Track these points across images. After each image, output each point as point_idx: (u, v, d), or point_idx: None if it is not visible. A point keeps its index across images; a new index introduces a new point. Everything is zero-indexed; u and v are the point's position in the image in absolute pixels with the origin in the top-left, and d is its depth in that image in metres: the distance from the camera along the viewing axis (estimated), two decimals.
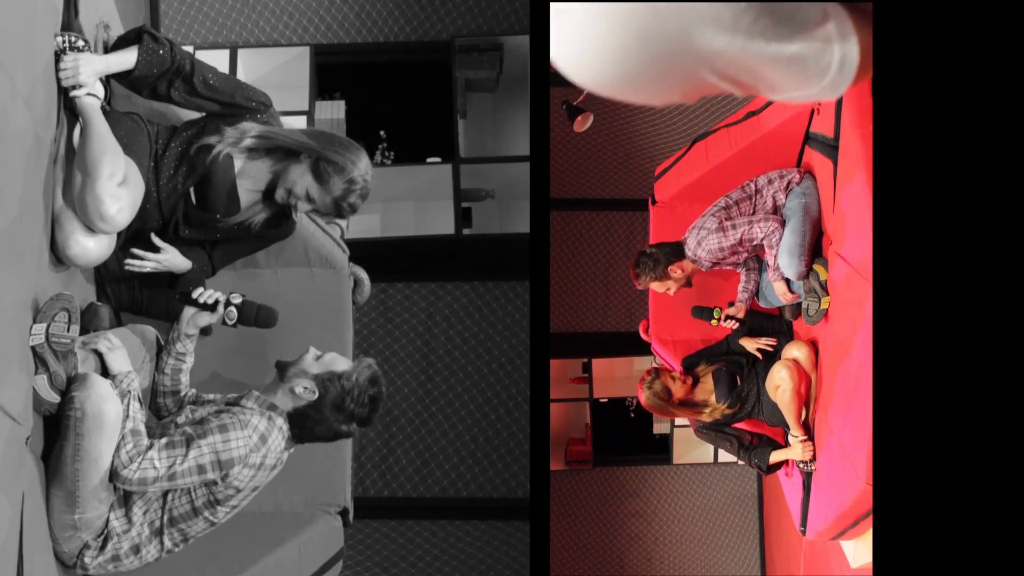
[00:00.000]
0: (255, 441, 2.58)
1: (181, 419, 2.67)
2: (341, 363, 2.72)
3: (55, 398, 2.46)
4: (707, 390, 3.86)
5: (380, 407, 2.77)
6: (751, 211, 3.69)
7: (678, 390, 3.82)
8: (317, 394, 2.67)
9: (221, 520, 2.69)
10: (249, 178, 2.90)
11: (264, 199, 2.95)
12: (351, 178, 2.84)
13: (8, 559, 2.19)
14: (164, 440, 2.55)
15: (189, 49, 5.64)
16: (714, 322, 3.94)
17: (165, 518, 2.61)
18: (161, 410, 2.88)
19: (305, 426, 2.70)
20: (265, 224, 2.99)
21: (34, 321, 2.43)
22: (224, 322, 2.81)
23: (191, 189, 2.85)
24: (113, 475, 2.50)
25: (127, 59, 2.76)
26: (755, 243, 3.66)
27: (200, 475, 2.54)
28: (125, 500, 2.59)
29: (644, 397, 3.86)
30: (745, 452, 3.88)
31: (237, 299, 2.81)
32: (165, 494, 2.60)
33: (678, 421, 6.96)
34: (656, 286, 3.86)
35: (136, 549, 2.60)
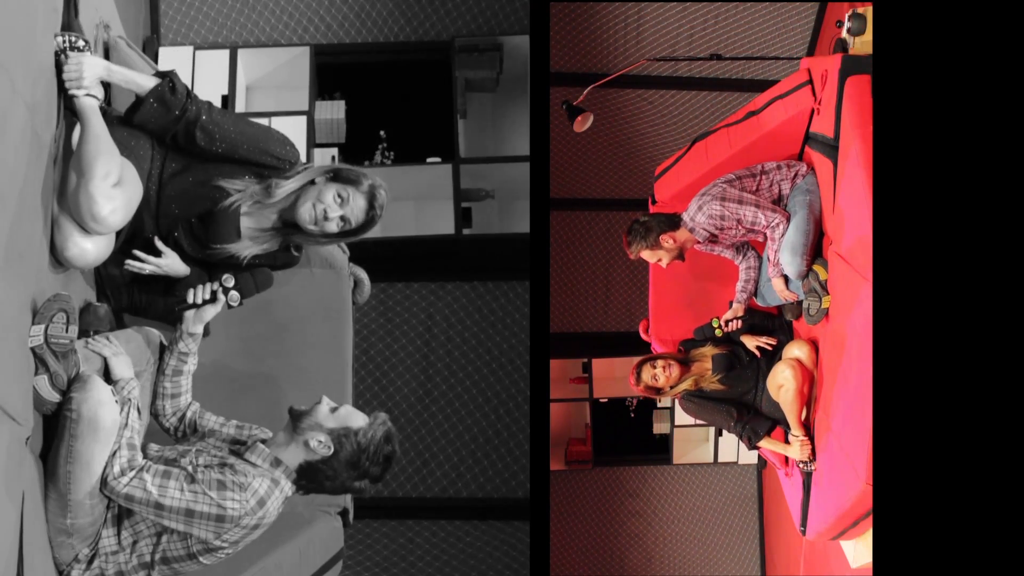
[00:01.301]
0: (252, 505, 2.52)
1: (186, 461, 2.60)
2: (357, 418, 2.66)
3: (56, 398, 2.45)
4: (704, 367, 3.86)
5: (393, 465, 2.72)
6: (754, 188, 3.67)
7: (663, 381, 3.85)
8: (332, 450, 2.61)
9: (214, 564, 2.65)
10: (254, 217, 2.88)
11: (267, 233, 2.92)
12: (372, 182, 2.88)
13: (8, 559, 2.19)
14: (163, 468, 2.52)
15: (188, 49, 5.66)
16: (718, 332, 3.95)
17: (157, 556, 2.56)
18: (160, 415, 2.85)
19: (316, 480, 2.65)
20: (266, 257, 2.96)
21: (32, 322, 2.43)
22: (229, 306, 2.79)
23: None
24: (103, 483, 2.47)
25: (138, 82, 2.71)
26: (754, 229, 3.65)
27: (187, 519, 2.49)
28: (118, 520, 2.56)
29: (640, 388, 3.91)
30: (738, 424, 3.87)
31: (230, 281, 2.78)
32: (160, 533, 2.56)
33: (678, 421, 6.97)
34: (647, 255, 3.82)
35: (121, 575, 2.58)
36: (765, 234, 3.67)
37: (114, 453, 2.47)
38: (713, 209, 3.64)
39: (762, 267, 3.93)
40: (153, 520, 2.53)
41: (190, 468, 2.54)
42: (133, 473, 2.47)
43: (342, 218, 2.85)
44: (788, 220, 3.58)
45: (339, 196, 2.83)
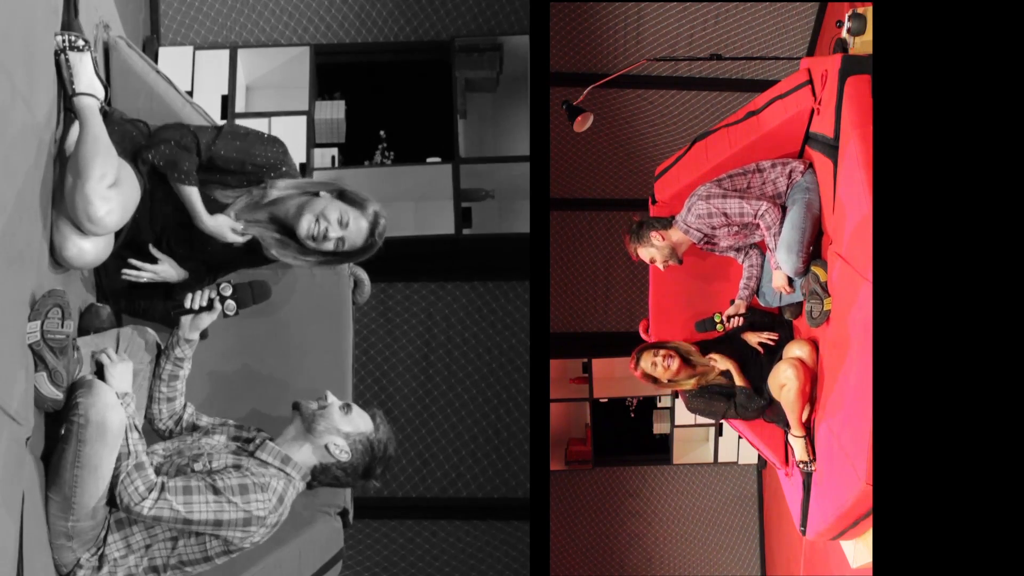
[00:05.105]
0: (274, 503, 2.57)
1: (199, 466, 2.61)
2: (366, 421, 2.74)
3: (57, 395, 2.45)
4: (709, 370, 3.87)
5: (393, 466, 2.82)
6: (744, 185, 3.70)
7: (660, 372, 3.86)
8: (350, 455, 2.69)
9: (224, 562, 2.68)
10: (245, 215, 2.88)
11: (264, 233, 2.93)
12: (376, 208, 2.89)
13: (8, 559, 2.19)
14: (183, 484, 2.51)
15: (188, 49, 5.66)
16: (719, 327, 3.95)
17: (172, 560, 2.58)
18: (155, 419, 2.84)
19: (325, 481, 2.73)
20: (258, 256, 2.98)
21: (28, 319, 2.42)
22: (225, 315, 2.79)
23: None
24: (125, 510, 2.48)
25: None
26: (744, 220, 3.66)
27: (215, 527, 2.52)
28: (127, 524, 2.55)
29: (638, 374, 3.93)
30: (732, 405, 3.89)
31: (228, 290, 2.77)
32: (176, 538, 2.57)
33: (678, 421, 6.97)
34: (643, 253, 3.91)
35: None
36: (762, 228, 3.68)
37: (124, 479, 2.46)
38: (700, 208, 3.69)
39: (764, 265, 3.94)
40: (179, 536, 2.55)
41: (208, 478, 2.54)
42: (155, 495, 2.47)
43: (340, 239, 2.86)
44: (777, 208, 3.59)
45: (343, 216, 2.85)
